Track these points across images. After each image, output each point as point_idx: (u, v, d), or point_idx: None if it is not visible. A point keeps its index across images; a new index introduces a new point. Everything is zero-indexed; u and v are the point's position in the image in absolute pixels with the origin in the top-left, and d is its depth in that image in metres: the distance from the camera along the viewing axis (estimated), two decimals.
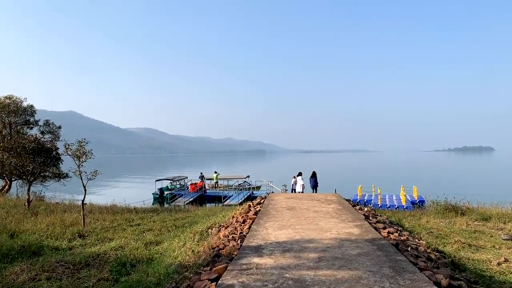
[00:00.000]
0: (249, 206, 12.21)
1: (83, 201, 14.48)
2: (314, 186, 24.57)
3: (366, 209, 12.57)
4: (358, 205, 13.04)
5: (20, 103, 28.15)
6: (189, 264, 7.24)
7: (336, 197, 14.07)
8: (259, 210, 11.08)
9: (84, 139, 15.43)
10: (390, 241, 7.34)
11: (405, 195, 27.39)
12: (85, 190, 14.75)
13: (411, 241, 8.26)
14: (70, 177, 23.08)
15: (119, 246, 10.61)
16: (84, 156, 14.68)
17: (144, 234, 13.04)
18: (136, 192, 40.88)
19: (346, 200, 15.03)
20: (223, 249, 7.03)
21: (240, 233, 8.34)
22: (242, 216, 10.15)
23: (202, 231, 10.35)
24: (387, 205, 26.54)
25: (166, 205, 30.12)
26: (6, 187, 27.52)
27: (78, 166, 14.50)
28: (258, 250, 6.50)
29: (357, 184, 42.40)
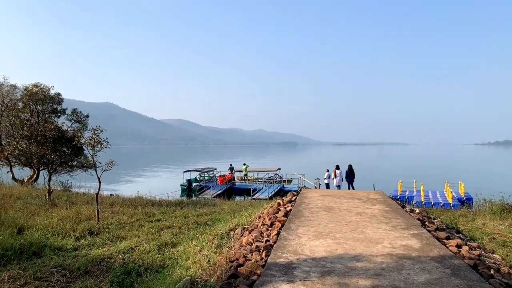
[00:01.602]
0: (279, 204, 10.56)
1: (97, 194, 13.33)
2: (351, 181, 22.75)
3: (417, 210, 10.63)
4: (407, 206, 11.14)
5: (47, 91, 27.71)
6: (200, 281, 5.72)
7: (381, 195, 12.17)
8: (290, 210, 9.42)
9: (99, 126, 14.29)
10: (464, 260, 5.51)
11: (451, 192, 24.87)
12: (100, 182, 13.62)
13: (487, 258, 6.37)
14: (98, 166, 22.31)
15: (129, 248, 9.28)
16: (99, 145, 13.53)
17: (162, 232, 11.72)
18: (165, 183, 40.18)
19: (392, 199, 13.14)
20: (243, 265, 5.45)
21: (267, 241, 6.73)
22: (270, 218, 8.52)
23: (223, 233, 8.82)
24: (431, 202, 24.15)
25: (193, 198, 29.04)
26: (34, 176, 27.20)
27: (92, 156, 13.35)
28: (288, 271, 4.86)
29: (395, 179, 39.77)
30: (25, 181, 26.72)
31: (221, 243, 7.95)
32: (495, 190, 28.60)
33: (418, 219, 8.51)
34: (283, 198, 12.00)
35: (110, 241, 10.46)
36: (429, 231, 7.23)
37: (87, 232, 11.16)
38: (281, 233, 6.88)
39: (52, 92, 28.18)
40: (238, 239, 7.85)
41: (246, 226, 8.65)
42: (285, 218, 8.24)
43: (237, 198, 29.93)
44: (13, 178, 26.26)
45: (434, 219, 10.53)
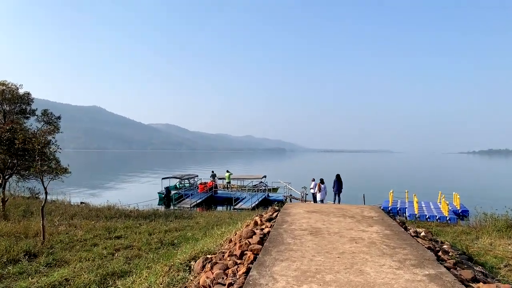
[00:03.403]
0: (255, 224, 8.68)
1: (42, 207, 11.24)
2: (338, 191, 21.11)
3: (422, 232, 8.87)
4: (409, 225, 9.38)
5: (15, 90, 25.50)
6: None
7: (377, 212, 10.37)
8: (268, 232, 7.55)
9: (56, 121, 12.33)
10: None
11: (447, 204, 23.29)
12: (46, 193, 11.58)
13: None
14: (70, 172, 20.17)
15: (64, 279, 7.29)
16: (47, 149, 11.57)
17: (116, 254, 9.75)
18: (146, 189, 37.82)
19: (386, 212, 11.37)
20: None
21: (230, 284, 4.87)
22: (241, 245, 6.64)
23: (181, 263, 6.90)
24: (426, 215, 22.53)
25: (171, 207, 27.01)
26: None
27: (38, 161, 11.35)
28: None
29: (383, 188, 38.24)
30: None
31: (174, 281, 6.04)
32: (491, 202, 27.23)
33: (429, 247, 6.73)
34: (262, 214, 10.12)
35: (48, 267, 8.46)
36: (449, 269, 5.45)
37: (22, 254, 9.11)
38: (250, 273, 5.01)
39: (21, 91, 26.01)
40: (196, 276, 5.97)
41: (209, 257, 6.74)
42: (259, 246, 6.37)
43: (219, 207, 28.03)
44: None
45: (442, 243, 8.79)
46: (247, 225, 9.18)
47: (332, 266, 5.41)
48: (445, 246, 8.15)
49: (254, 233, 7.36)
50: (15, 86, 25.57)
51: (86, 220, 15.27)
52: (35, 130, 22.96)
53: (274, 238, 6.94)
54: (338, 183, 21.16)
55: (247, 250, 6.38)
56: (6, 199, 16.85)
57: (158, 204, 28.82)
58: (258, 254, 6.03)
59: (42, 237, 10.63)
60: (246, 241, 6.84)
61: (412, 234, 8.00)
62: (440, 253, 6.58)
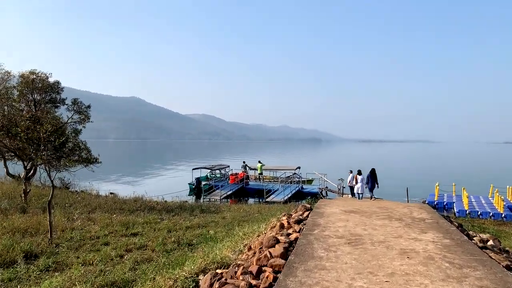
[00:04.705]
0: (281, 227, 7.28)
1: (49, 202, 10.33)
2: (372, 187, 19.06)
3: (489, 241, 7.14)
4: (470, 231, 7.65)
5: (45, 79, 25.35)
6: None
7: (428, 212, 8.67)
8: (296, 239, 6.15)
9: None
10: None
11: (502, 199, 20.80)
12: (53, 186, 10.71)
13: None
14: (100, 162, 19.60)
15: None
16: (55, 140, 10.69)
17: (126, 256, 8.68)
18: (178, 180, 37.13)
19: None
20: None
21: None
22: (259, 258, 5.28)
23: (187, 278, 5.63)
24: (477, 212, 20.20)
25: (201, 199, 26.10)
26: (31, 172, 24.86)
27: (41, 151, 10.44)
28: None
29: (427, 180, 35.62)
30: (21, 176, 24.33)
31: None
32: None
33: (508, 267, 5.08)
34: (291, 214, 8.71)
35: (45, 271, 7.48)
36: None
37: (21, 255, 8.19)
38: None
39: (50, 80, 25.87)
40: None
41: (219, 272, 5.41)
42: (282, 262, 4.98)
43: (250, 200, 26.82)
44: (7, 173, 24.07)
45: None
46: (272, 227, 7.81)
47: None
48: None
49: (278, 241, 5.95)
50: (45, 75, 25.38)
51: (107, 214, 14.44)
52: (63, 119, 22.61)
53: (302, 250, 5.51)
54: (372, 179, 19.13)
55: (266, 266, 5.01)
56: (28, 190, 16.37)
57: (189, 195, 28.03)
58: (279, 272, 4.65)
59: (49, 234, 9.74)
60: (267, 252, 5.46)
61: (479, 244, 6.31)
62: None
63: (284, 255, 5.33)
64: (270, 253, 5.42)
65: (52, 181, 10.47)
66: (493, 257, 5.46)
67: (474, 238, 6.87)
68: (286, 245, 5.72)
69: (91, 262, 8.09)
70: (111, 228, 11.75)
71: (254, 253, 6.00)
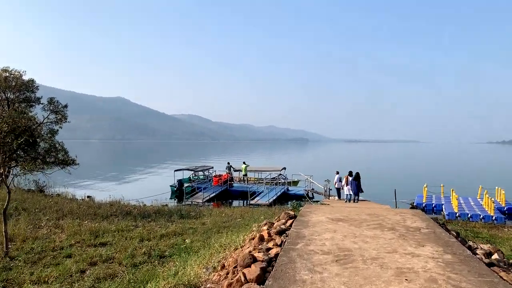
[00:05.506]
0: (261, 239, 6.43)
1: (4, 211, 9.28)
2: (357, 192, 18.42)
3: (494, 254, 6.43)
4: (469, 241, 6.93)
5: (19, 77, 24.09)
6: None
7: (422, 220, 7.92)
8: (276, 255, 5.31)
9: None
10: None
11: (492, 201, 20.37)
12: (9, 192, 9.66)
13: None
14: (78, 164, 18.47)
15: None
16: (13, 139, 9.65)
17: (86, 272, 7.72)
18: (161, 182, 35.88)
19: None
20: None
21: None
22: (231, 282, 4.43)
23: None
24: (467, 214, 19.68)
25: (183, 202, 25.10)
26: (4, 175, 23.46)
27: None
28: None
29: (413, 181, 35.29)
30: None
31: None
32: None
33: None
34: (273, 222, 7.87)
35: None
36: None
37: None
38: None
39: (25, 78, 24.60)
40: None
41: None
42: None
43: (234, 202, 25.94)
44: None
45: None
46: (251, 238, 6.96)
47: None
48: None
49: (255, 260, 5.09)
50: (19, 72, 24.15)
51: (78, 220, 13.39)
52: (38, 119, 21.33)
53: (283, 271, 4.65)
54: (357, 183, 18.45)
55: None
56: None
57: (170, 198, 27.02)
58: None
59: (5, 245, 8.71)
60: (241, 274, 4.61)
61: (485, 260, 5.56)
62: None
63: (261, 278, 4.49)
64: (244, 276, 4.57)
65: (7, 186, 9.45)
66: (504, 278, 4.71)
67: (478, 252, 6.14)
68: (264, 264, 4.87)
69: (46, 279, 7.12)
70: (78, 237, 10.74)
71: (227, 273, 5.14)
